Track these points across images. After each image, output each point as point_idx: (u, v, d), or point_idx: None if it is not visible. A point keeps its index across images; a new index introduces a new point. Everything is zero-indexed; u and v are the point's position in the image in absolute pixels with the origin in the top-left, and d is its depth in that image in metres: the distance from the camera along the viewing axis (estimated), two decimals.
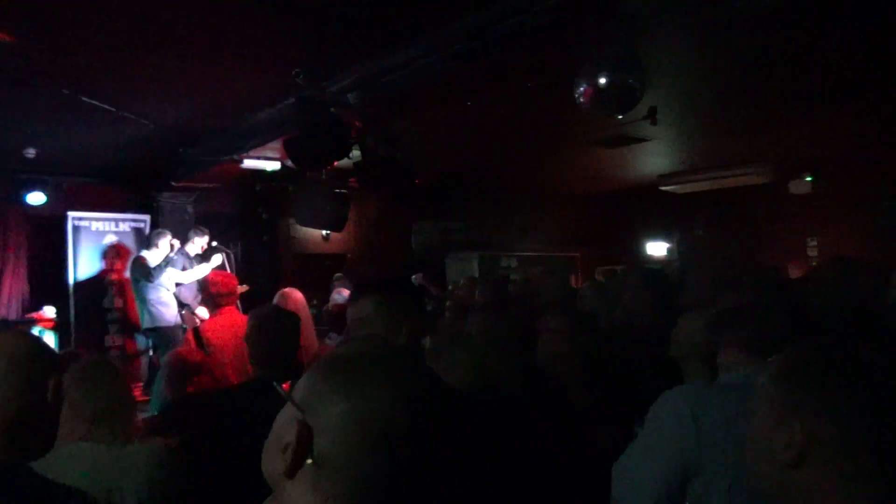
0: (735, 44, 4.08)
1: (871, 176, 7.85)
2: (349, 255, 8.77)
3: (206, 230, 6.81)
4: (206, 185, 7.34)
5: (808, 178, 8.44)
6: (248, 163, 6.46)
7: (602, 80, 3.32)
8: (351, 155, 4.91)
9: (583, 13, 2.94)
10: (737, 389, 1.55)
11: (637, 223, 10.54)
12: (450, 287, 7.56)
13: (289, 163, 5.59)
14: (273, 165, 6.69)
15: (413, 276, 8.06)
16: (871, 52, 4.40)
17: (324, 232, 8.37)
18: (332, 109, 4.38)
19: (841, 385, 0.99)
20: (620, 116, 3.55)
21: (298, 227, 7.88)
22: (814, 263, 7.79)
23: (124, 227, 7.35)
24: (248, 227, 8.14)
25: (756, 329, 1.75)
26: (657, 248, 10.46)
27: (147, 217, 7.43)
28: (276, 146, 5.62)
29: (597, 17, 3.01)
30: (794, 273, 7.49)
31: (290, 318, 2.36)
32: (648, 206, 10.07)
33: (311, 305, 5.16)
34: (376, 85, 3.91)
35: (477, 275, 9.32)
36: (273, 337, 2.23)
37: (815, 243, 8.63)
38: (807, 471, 0.98)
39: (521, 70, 4.07)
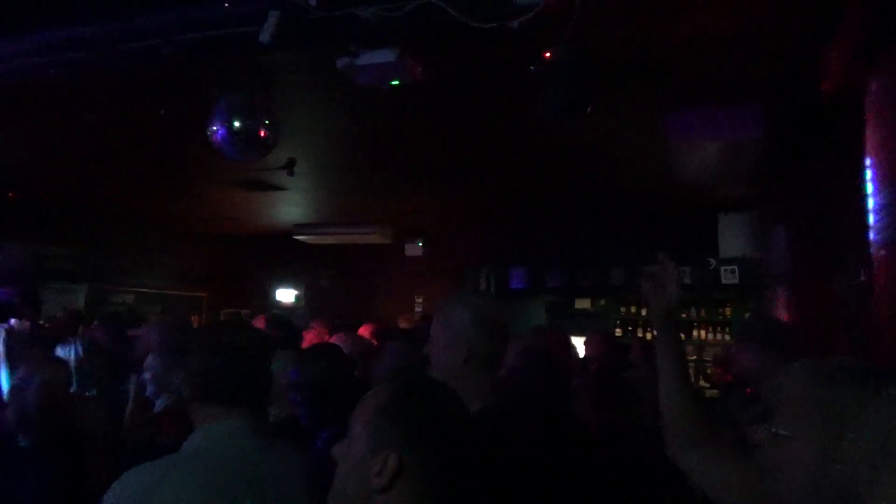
0: (362, 116, 4.51)
1: (465, 246, 9.34)
2: None
3: None
4: None
5: (420, 243, 9.64)
6: None
7: (235, 124, 3.32)
8: None
9: (214, 55, 2.92)
10: (198, 457, 1.48)
11: (269, 268, 10.61)
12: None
13: None
14: None
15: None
16: (469, 142, 5.31)
17: None
18: None
19: (423, 419, 1.13)
20: (248, 162, 3.57)
21: None
22: (418, 318, 8.85)
23: None
24: None
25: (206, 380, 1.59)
26: (286, 295, 10.66)
27: None
28: None
29: (228, 62, 3.01)
30: (403, 325, 8.38)
31: None
32: (281, 253, 10.24)
33: None
34: None
35: (83, 308, 8.19)
36: None
37: (421, 300, 9.82)
38: (392, 495, 1.09)
39: (151, 96, 3.82)
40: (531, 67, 3.19)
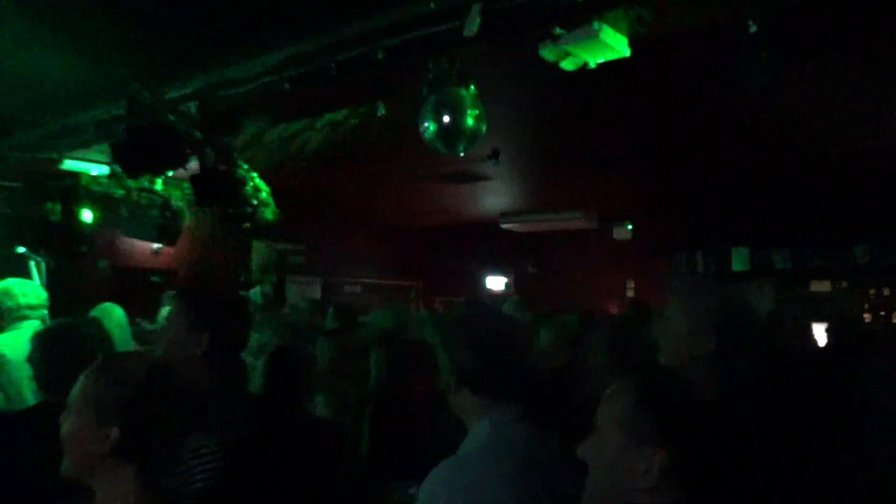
0: (562, 100, 4.45)
1: (677, 227, 8.82)
2: (180, 273, 8.25)
3: None
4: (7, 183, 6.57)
5: (629, 227, 9.30)
6: (70, 163, 5.90)
7: (445, 119, 3.45)
8: (188, 167, 4.68)
9: (422, 54, 3.06)
10: (492, 449, 1.42)
11: (478, 257, 10.95)
12: (285, 309, 7.36)
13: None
14: (100, 169, 6.17)
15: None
16: (676, 119, 4.98)
17: (155, 245, 7.82)
18: (170, 117, 4.16)
19: (683, 412, 1.06)
20: (461, 154, 3.69)
21: (124, 237, 7.32)
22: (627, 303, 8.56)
23: None
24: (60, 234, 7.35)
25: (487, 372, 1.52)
26: (496, 283, 10.94)
27: None
28: (105, 149, 5.19)
29: (433, 59, 3.14)
30: (613, 311, 8.17)
31: (82, 337, 2.07)
32: (489, 242, 10.51)
33: (132, 324, 4.81)
34: (217, 97, 3.77)
35: (319, 299, 9.20)
36: (57, 357, 1.96)
37: (632, 285, 9.48)
38: (658, 492, 1.02)
39: (368, 100, 4.14)
40: (752, 26, 2.89)
